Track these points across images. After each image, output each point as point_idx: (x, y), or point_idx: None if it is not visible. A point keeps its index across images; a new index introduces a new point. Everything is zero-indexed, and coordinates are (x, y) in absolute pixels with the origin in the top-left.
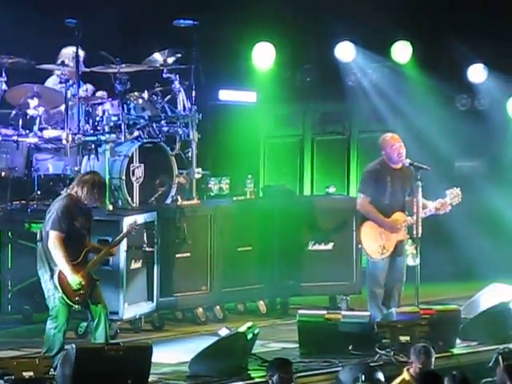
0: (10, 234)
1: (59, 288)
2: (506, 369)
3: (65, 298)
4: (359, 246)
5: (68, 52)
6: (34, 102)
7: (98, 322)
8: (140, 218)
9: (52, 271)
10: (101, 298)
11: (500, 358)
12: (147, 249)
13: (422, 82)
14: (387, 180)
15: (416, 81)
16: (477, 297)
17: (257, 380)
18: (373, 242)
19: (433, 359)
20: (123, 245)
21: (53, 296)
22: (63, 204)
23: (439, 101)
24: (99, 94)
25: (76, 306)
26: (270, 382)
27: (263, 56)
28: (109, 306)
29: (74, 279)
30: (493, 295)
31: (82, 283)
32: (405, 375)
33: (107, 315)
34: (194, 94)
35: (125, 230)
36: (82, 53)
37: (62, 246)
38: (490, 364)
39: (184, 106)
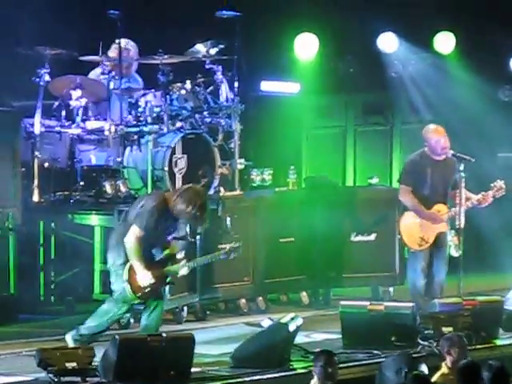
0: (53, 224)
1: (126, 278)
2: None
3: (128, 288)
4: (398, 236)
5: (116, 45)
6: (76, 93)
7: (151, 312)
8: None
9: (126, 259)
10: (162, 294)
11: None
12: (190, 239)
13: (464, 73)
14: (427, 172)
15: (459, 72)
16: None
17: (299, 371)
18: (412, 233)
19: (466, 348)
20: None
21: (121, 281)
22: (154, 204)
23: (482, 91)
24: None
25: (136, 301)
26: (314, 373)
27: (306, 47)
28: None
29: (145, 277)
30: None
31: (151, 282)
32: (443, 369)
33: (162, 309)
34: (236, 84)
35: (222, 256)
36: (132, 45)
37: (138, 243)
38: None
39: (227, 97)
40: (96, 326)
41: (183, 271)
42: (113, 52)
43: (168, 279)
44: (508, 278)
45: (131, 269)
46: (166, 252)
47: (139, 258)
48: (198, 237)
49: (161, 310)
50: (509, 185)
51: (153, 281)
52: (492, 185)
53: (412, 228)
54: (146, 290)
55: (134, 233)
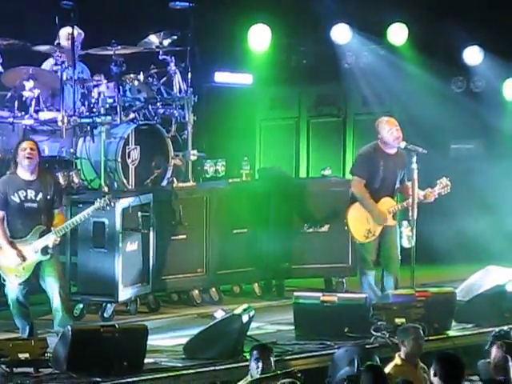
0: None
1: None
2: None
3: (2, 274)
4: (345, 228)
5: (64, 33)
6: (29, 84)
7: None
8: (135, 201)
9: None
10: (52, 274)
11: (495, 340)
12: (143, 231)
13: (417, 65)
14: (380, 165)
15: (412, 63)
16: (472, 279)
17: None
18: (359, 225)
19: (421, 340)
20: (119, 226)
21: None
22: None
23: (435, 83)
24: (97, 77)
25: (16, 281)
26: (253, 365)
27: (259, 38)
28: (104, 289)
29: (10, 254)
30: (488, 277)
31: (18, 260)
32: (397, 360)
33: (61, 293)
34: (189, 76)
35: (94, 206)
36: (79, 32)
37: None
38: (487, 347)
39: (180, 88)
40: (17, 323)
41: (51, 240)
42: (64, 41)
43: (40, 253)
44: (460, 269)
45: (0, 251)
46: (35, 228)
47: (2, 237)
48: (151, 228)
49: (58, 292)
50: (461, 174)
51: (18, 258)
52: (438, 181)
53: (359, 220)
54: (18, 268)
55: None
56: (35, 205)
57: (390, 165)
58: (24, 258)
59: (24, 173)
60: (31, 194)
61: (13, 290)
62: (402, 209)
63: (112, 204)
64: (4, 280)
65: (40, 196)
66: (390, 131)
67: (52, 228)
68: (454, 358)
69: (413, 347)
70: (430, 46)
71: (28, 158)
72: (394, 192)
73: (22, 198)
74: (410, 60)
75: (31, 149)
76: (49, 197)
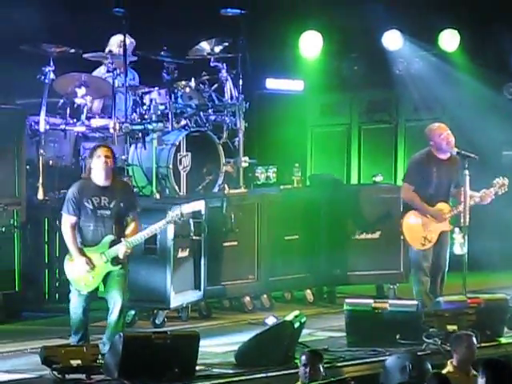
0: (57, 222)
1: (67, 269)
2: None
3: (71, 279)
4: (401, 237)
5: (116, 41)
6: (81, 91)
7: (112, 311)
8: (187, 208)
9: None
10: (118, 286)
11: None
12: (194, 237)
13: (469, 71)
14: (433, 171)
15: (463, 69)
16: None
17: None
18: (415, 232)
19: (473, 348)
20: (170, 233)
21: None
22: (72, 188)
23: (487, 89)
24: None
25: (84, 291)
26: (303, 372)
27: (310, 45)
28: (156, 295)
29: (80, 263)
30: None
31: (88, 268)
32: (449, 367)
33: (122, 309)
34: (241, 82)
35: (166, 219)
36: (131, 41)
37: (72, 229)
38: None
39: (231, 95)
40: (71, 326)
41: (122, 250)
42: (114, 48)
43: (110, 263)
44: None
45: (69, 257)
46: (107, 237)
47: (73, 244)
48: (202, 235)
49: (119, 307)
50: None
51: (88, 265)
52: (494, 181)
53: (415, 228)
54: (87, 277)
55: (63, 220)
56: (108, 212)
57: (444, 170)
58: (93, 267)
59: (98, 179)
60: (105, 200)
61: (78, 299)
62: (457, 213)
63: (184, 217)
64: (70, 286)
65: (114, 203)
66: (441, 136)
67: (123, 239)
68: (502, 364)
69: (465, 354)
70: (481, 52)
71: (104, 165)
72: (448, 197)
73: (96, 205)
74: (462, 66)
75: (106, 156)
76: (122, 204)
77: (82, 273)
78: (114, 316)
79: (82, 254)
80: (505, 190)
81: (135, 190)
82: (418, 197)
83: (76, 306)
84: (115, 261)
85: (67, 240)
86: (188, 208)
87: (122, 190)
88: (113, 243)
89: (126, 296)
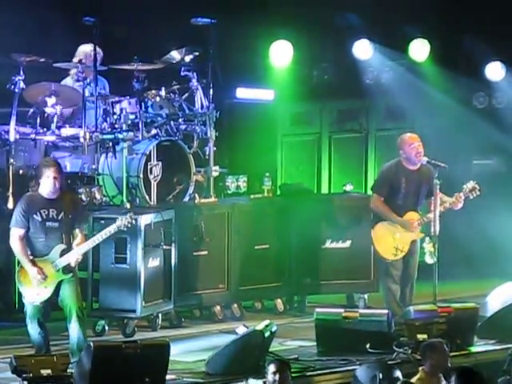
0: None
1: (19, 281)
2: None
3: (23, 290)
4: (372, 247)
5: (85, 50)
6: (51, 101)
7: (69, 322)
8: (157, 217)
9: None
10: (71, 293)
11: None
12: (165, 247)
13: (439, 80)
14: (401, 182)
15: (433, 79)
16: (494, 295)
17: None
18: (386, 243)
19: (447, 354)
20: (140, 242)
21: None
22: (20, 202)
23: (457, 99)
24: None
25: (36, 301)
26: (272, 380)
27: (281, 54)
28: (126, 304)
29: (32, 273)
30: (511, 292)
31: (40, 278)
32: (420, 374)
33: (79, 314)
34: (211, 92)
35: (116, 224)
36: (98, 51)
37: (21, 242)
38: (505, 366)
39: (202, 104)
40: (32, 340)
41: (73, 258)
42: (83, 58)
43: (62, 272)
44: (483, 284)
45: (21, 270)
46: (57, 246)
47: (24, 256)
48: (173, 244)
49: (75, 312)
50: (484, 191)
51: (39, 275)
52: (464, 186)
53: (385, 239)
54: (40, 287)
55: (12, 234)
56: (57, 224)
57: (413, 181)
58: (45, 276)
59: (46, 192)
60: (53, 212)
61: (32, 309)
62: (427, 221)
63: (133, 222)
64: (23, 300)
65: (62, 215)
66: (411, 146)
67: (73, 246)
68: (473, 373)
69: (439, 361)
70: (452, 62)
71: (52, 185)
72: (417, 207)
73: (44, 217)
74: (432, 76)
75: (55, 178)
76: (70, 216)
77: (34, 283)
78: (72, 322)
79: (34, 264)
80: (476, 193)
81: (105, 199)
82: (387, 207)
83: (32, 319)
84: (66, 269)
85: (17, 252)
86: (146, 219)
87: (71, 202)
88: (63, 252)
89: (80, 301)
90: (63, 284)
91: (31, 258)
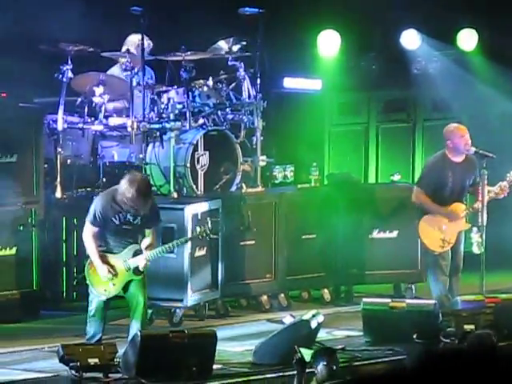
0: (75, 221)
1: (87, 274)
2: None
3: (90, 284)
4: (420, 241)
5: (133, 40)
6: (99, 90)
7: (133, 313)
8: (205, 207)
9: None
10: (139, 291)
11: None
12: (212, 236)
13: (487, 70)
14: (448, 175)
15: (481, 70)
16: None
17: None
18: (433, 236)
19: (493, 347)
20: (187, 232)
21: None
22: (100, 199)
23: (504, 89)
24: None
25: (103, 296)
26: (316, 371)
27: (328, 44)
28: (173, 294)
29: (101, 270)
30: None
31: (109, 275)
32: None
33: (143, 314)
34: (258, 81)
35: (191, 235)
36: (148, 42)
37: (92, 237)
38: None
39: (249, 94)
40: (88, 331)
41: (142, 262)
42: (132, 48)
43: (132, 272)
44: None
45: (90, 264)
46: (131, 246)
47: (94, 252)
48: (219, 234)
49: (141, 310)
50: None
51: (110, 273)
52: (508, 174)
53: (431, 232)
54: (108, 284)
55: (86, 228)
56: (131, 227)
57: (459, 173)
58: (115, 274)
59: (124, 202)
60: (130, 217)
61: (98, 303)
62: (473, 211)
63: (210, 236)
64: (89, 291)
65: (138, 220)
66: (461, 137)
67: (144, 251)
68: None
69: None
70: (500, 51)
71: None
72: (463, 197)
73: (122, 221)
74: (480, 66)
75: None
76: (146, 219)
77: (103, 279)
78: (135, 320)
79: (104, 261)
80: None
81: (153, 188)
82: (430, 199)
83: (95, 311)
84: (136, 270)
85: (88, 247)
86: (193, 209)
87: (147, 207)
88: (136, 253)
89: (146, 301)
90: (132, 282)
91: (102, 253)
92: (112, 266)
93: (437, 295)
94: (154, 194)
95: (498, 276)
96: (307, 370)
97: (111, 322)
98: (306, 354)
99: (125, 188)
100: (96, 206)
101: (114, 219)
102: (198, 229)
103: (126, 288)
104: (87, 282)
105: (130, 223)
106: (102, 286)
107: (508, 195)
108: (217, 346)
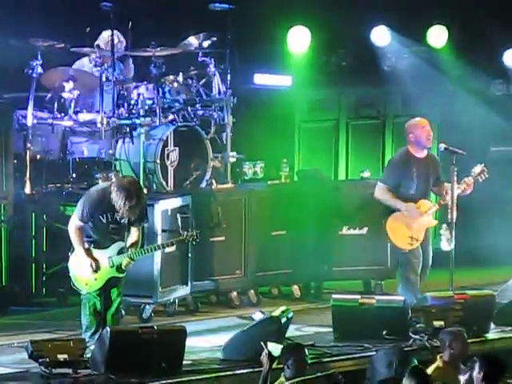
0: (44, 216)
1: (71, 268)
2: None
3: (73, 277)
4: (387, 240)
5: (104, 36)
6: (69, 85)
7: (109, 307)
8: (174, 203)
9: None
10: (117, 289)
11: None
12: (182, 232)
13: (457, 67)
14: (413, 171)
15: (451, 65)
16: (511, 282)
17: None
18: (401, 234)
19: (467, 343)
20: (157, 228)
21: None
22: (91, 195)
23: (475, 86)
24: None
25: (86, 290)
26: (285, 367)
27: (298, 40)
28: (143, 290)
29: (85, 263)
30: None
31: (93, 269)
32: (438, 362)
33: (118, 311)
34: (228, 77)
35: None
36: (120, 40)
37: (79, 231)
38: None
39: (219, 90)
40: (84, 326)
41: (125, 261)
42: (103, 44)
43: (115, 269)
44: (500, 272)
45: (74, 257)
46: (117, 243)
47: (79, 244)
48: (189, 230)
49: (117, 304)
50: (500, 177)
51: (92, 268)
52: (472, 170)
53: (399, 229)
54: (90, 278)
55: (72, 221)
56: (118, 226)
57: (422, 169)
58: (98, 269)
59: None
60: (117, 216)
61: (89, 298)
62: (440, 208)
63: (198, 240)
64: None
65: (125, 220)
66: (422, 128)
67: (130, 249)
68: (496, 359)
69: (461, 350)
70: (470, 49)
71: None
72: (429, 194)
73: (109, 220)
74: (450, 62)
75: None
76: (133, 219)
77: (86, 273)
78: (111, 311)
79: (89, 254)
80: (485, 176)
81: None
82: (390, 194)
83: (90, 305)
84: (119, 268)
85: (74, 240)
86: (163, 205)
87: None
88: (121, 251)
89: (121, 299)
90: (112, 280)
91: (88, 246)
92: (96, 261)
93: (405, 294)
94: (118, 175)
95: (466, 273)
96: (277, 366)
97: (79, 318)
98: (274, 349)
99: (119, 197)
100: (84, 202)
101: (101, 218)
102: (186, 233)
103: (106, 284)
104: (70, 273)
105: (117, 222)
106: (83, 279)
107: (474, 190)
108: (186, 343)
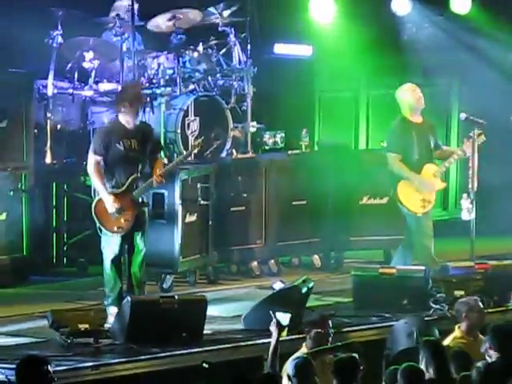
0: (65, 186)
1: (94, 212)
2: None
3: (98, 222)
4: (400, 206)
5: (122, 4)
6: (89, 55)
7: (135, 257)
8: (195, 172)
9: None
10: (142, 235)
11: None
12: (202, 202)
13: (481, 33)
14: (412, 135)
15: (475, 32)
16: None
17: None
18: (412, 198)
19: (483, 313)
20: (177, 198)
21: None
22: (100, 127)
23: (498, 54)
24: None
25: (114, 234)
26: (308, 337)
27: (320, 9)
28: (164, 260)
29: (109, 202)
30: None
31: (117, 207)
32: (456, 333)
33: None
34: (249, 47)
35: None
36: (136, 5)
37: (97, 168)
38: None
39: (239, 60)
40: (107, 282)
41: (155, 182)
42: (121, 13)
43: (139, 204)
44: None
45: (97, 203)
46: (133, 176)
47: (101, 185)
48: (210, 200)
49: (140, 259)
50: None
51: (117, 204)
52: (470, 134)
53: (410, 194)
54: (120, 220)
55: (89, 160)
56: (136, 154)
57: (421, 133)
58: (124, 208)
59: (126, 121)
60: (134, 143)
61: (112, 247)
62: (445, 169)
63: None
64: (103, 233)
65: (140, 146)
66: (413, 92)
67: (158, 171)
68: (509, 329)
69: (476, 319)
70: (494, 16)
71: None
72: (432, 158)
73: (127, 147)
74: (473, 30)
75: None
76: (151, 145)
77: (113, 216)
78: (137, 260)
79: (112, 194)
80: (483, 139)
81: None
82: (404, 165)
83: (110, 256)
84: (143, 202)
85: (94, 179)
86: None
87: (147, 132)
88: (138, 182)
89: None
90: (137, 222)
91: (110, 190)
92: (119, 200)
93: (424, 260)
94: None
95: (487, 242)
96: (300, 336)
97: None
98: (283, 318)
99: (124, 87)
100: (97, 134)
101: (119, 145)
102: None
103: (133, 229)
104: (97, 225)
105: (135, 150)
106: (113, 223)
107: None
108: (207, 312)
